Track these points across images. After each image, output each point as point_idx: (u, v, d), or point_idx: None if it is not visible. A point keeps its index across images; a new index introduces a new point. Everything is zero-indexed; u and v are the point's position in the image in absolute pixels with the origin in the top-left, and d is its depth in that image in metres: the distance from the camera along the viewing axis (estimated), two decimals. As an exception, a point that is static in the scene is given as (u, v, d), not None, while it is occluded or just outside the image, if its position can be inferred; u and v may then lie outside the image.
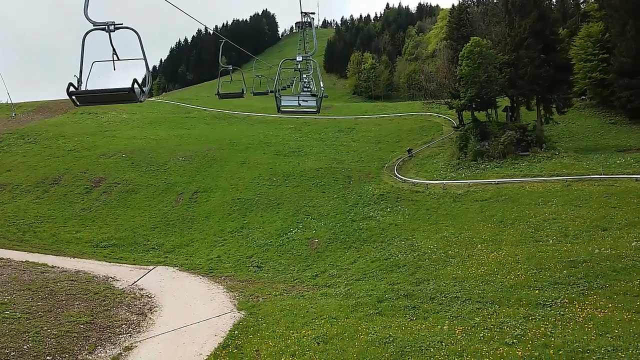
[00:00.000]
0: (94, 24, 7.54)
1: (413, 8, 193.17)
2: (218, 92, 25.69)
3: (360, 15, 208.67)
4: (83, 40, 7.77)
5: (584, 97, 62.54)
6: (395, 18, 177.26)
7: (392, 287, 20.70)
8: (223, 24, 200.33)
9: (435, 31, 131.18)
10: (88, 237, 36.15)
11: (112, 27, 7.59)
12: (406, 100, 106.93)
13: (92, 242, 35.05)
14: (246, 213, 40.56)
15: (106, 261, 31.14)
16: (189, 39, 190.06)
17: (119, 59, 8.22)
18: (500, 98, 51.42)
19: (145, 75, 8.34)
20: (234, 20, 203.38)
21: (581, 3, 76.65)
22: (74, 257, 31.64)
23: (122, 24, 7.63)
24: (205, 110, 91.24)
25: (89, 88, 7.91)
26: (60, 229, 37.63)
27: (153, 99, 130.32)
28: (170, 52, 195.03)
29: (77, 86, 7.85)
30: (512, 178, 38.41)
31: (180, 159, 55.30)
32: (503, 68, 46.37)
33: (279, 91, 13.31)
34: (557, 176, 36.34)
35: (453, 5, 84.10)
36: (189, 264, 30.74)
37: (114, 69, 8.30)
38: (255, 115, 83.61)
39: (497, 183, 37.54)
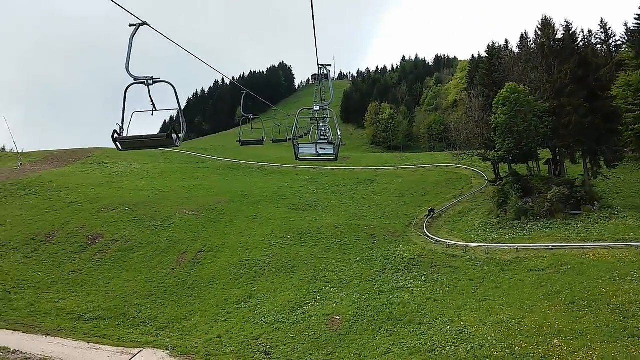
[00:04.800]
0: (135, 78, 8.44)
1: (430, 60, 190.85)
2: (240, 139, 24.98)
3: (377, 67, 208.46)
4: (125, 93, 8.67)
5: (625, 149, 57.40)
6: (412, 69, 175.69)
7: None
8: (240, 75, 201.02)
9: (455, 82, 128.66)
10: (71, 306, 31.02)
11: (150, 82, 8.57)
12: (427, 151, 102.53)
13: (75, 314, 29.86)
14: (255, 278, 35.20)
15: (85, 340, 25.99)
16: (206, 90, 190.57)
17: (156, 109, 8.98)
18: (540, 150, 46.34)
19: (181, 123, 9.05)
20: (250, 72, 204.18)
21: (614, 52, 72.65)
22: (48, 334, 26.62)
23: (159, 78, 8.70)
24: (219, 160, 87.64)
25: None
26: (42, 296, 32.63)
27: (167, 148, 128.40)
28: (187, 102, 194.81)
29: (119, 133, 8.70)
30: (568, 242, 32.65)
31: (187, 213, 50.67)
32: (544, 117, 41.55)
33: (296, 139, 13.22)
34: (625, 241, 30.55)
35: (473, 56, 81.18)
36: (183, 345, 25.33)
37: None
38: (270, 165, 79.52)
39: (552, 248, 31.80)
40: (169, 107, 9.31)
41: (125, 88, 8.64)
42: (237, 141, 25.58)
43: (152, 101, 8.93)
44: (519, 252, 32.69)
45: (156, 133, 9.17)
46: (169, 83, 8.83)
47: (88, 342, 25.60)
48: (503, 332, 20.65)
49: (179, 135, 9.00)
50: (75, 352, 23.58)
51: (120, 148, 8.73)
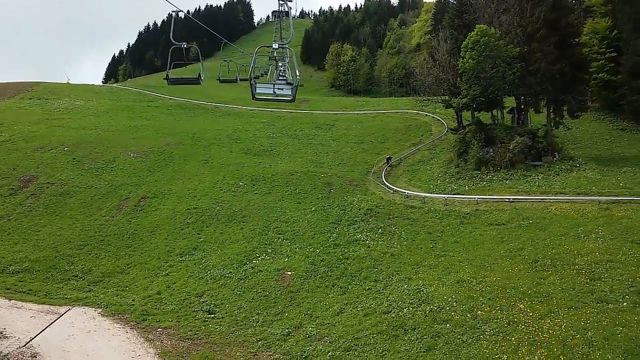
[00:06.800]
0: None
1: (395, 0, 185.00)
2: (168, 76, 19.98)
3: (340, 6, 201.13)
4: None
5: (588, 99, 56.80)
6: (377, 10, 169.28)
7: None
8: (196, 8, 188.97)
9: (419, 24, 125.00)
10: (-6, 257, 27.91)
11: None
12: (387, 96, 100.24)
13: (-2, 266, 26.84)
14: (202, 228, 32.80)
15: (6, 297, 23.29)
16: (159, 24, 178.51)
17: None
18: (505, 98, 44.76)
19: None
20: (207, 6, 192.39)
21: (582, -3, 70.79)
22: (-36, 290, 23.70)
23: None
24: (171, 99, 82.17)
25: None
26: (-39, 245, 29.29)
27: (115, 85, 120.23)
28: (138, 36, 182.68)
29: None
30: (529, 195, 31.75)
31: (132, 155, 47.03)
32: (513, 63, 39.68)
33: (253, 79, 13.03)
34: (586, 195, 29.78)
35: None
36: (118, 303, 23.03)
37: None
38: (225, 106, 75.32)
39: (513, 201, 30.80)
40: None
41: None
42: (164, 79, 20.40)
43: None
44: (478, 204, 31.56)
45: None
46: None
47: (10, 299, 22.94)
48: (463, 292, 19.38)
49: None
50: (-8, 311, 20.92)
51: None
